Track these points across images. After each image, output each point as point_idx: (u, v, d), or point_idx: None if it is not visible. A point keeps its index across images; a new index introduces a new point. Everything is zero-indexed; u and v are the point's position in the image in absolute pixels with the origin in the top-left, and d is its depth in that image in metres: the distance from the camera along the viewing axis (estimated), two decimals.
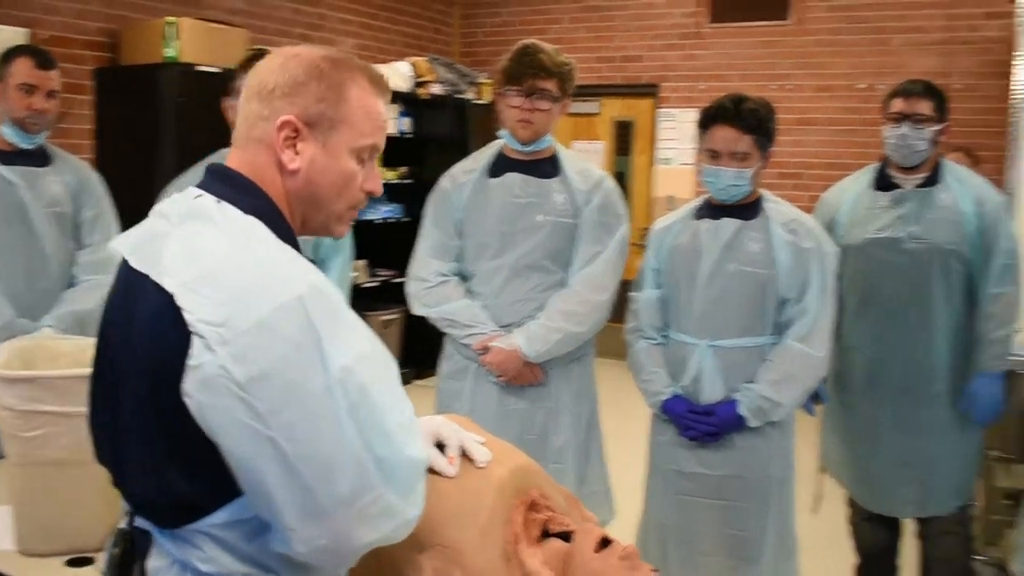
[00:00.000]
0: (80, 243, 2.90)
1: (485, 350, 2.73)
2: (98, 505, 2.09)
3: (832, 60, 6.74)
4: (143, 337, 1.20)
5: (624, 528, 2.80)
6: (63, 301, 2.80)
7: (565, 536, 1.72)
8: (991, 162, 4.88)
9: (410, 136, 7.03)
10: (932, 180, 2.98)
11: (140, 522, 1.30)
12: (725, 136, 2.56)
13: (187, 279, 1.18)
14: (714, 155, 2.59)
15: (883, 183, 3.05)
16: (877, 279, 3.00)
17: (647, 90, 7.53)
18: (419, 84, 6.99)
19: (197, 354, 1.14)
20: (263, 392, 1.13)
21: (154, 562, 1.28)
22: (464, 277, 2.85)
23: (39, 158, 2.85)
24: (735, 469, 2.64)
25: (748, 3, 7.05)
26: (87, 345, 2.29)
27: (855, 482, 3.19)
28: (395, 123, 6.90)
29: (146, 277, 1.21)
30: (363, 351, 1.21)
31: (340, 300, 1.22)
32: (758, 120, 2.56)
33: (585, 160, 2.91)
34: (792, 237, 2.60)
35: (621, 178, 8.00)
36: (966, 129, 5.98)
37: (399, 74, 6.81)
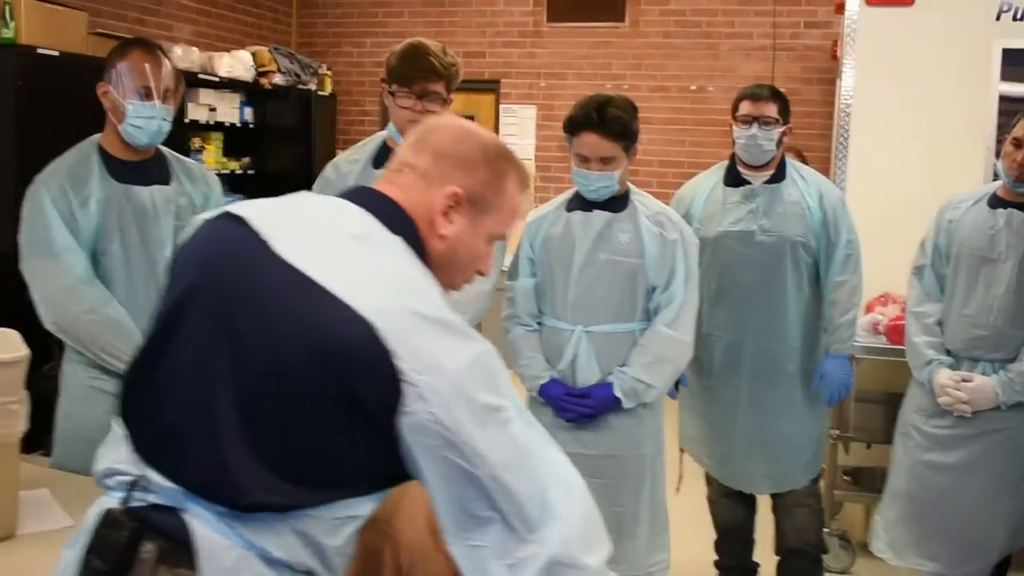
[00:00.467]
0: None
1: None
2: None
3: (665, 62, 7.09)
4: (325, 347, 1.20)
5: None
6: None
7: None
8: (817, 163, 5.27)
9: (252, 126, 6.93)
10: (778, 177, 3.24)
11: (156, 499, 1.26)
12: (591, 142, 2.72)
13: (387, 312, 1.21)
14: (583, 159, 2.75)
15: (733, 180, 3.28)
16: (731, 269, 3.23)
17: (489, 86, 7.68)
18: (261, 74, 6.90)
19: (411, 403, 1.20)
20: (467, 438, 1.22)
21: (213, 552, 1.23)
22: None
23: None
24: (611, 448, 2.81)
25: (585, 4, 7.31)
26: None
27: (713, 461, 3.42)
28: (237, 112, 6.80)
29: (315, 284, 1.23)
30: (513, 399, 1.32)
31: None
32: (622, 126, 2.73)
33: None
34: (658, 229, 2.79)
35: None
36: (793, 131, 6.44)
37: (240, 63, 6.71)
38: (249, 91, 6.90)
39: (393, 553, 1.71)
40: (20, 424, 2.10)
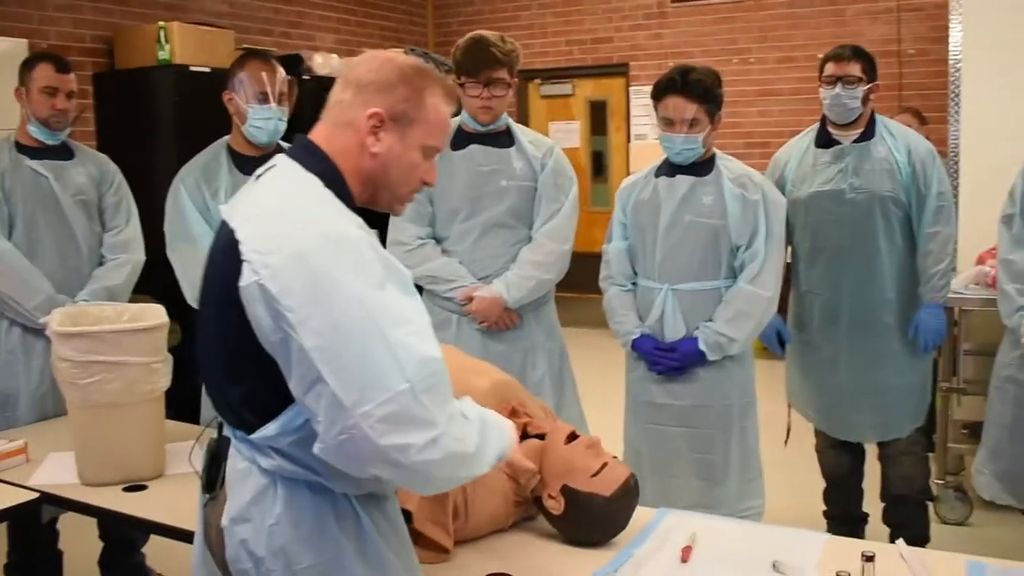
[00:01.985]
0: (105, 226, 3.22)
1: (469, 300, 3.08)
2: (145, 440, 2.44)
3: (791, 32, 7.09)
4: (215, 267, 1.54)
5: None
6: (94, 278, 3.12)
7: (541, 437, 2.07)
8: (938, 123, 5.23)
9: None
10: (867, 135, 3.32)
11: (226, 430, 1.61)
12: (675, 105, 2.88)
13: (246, 217, 1.50)
14: (668, 123, 2.92)
15: (823, 140, 3.39)
16: (824, 228, 3.34)
17: (618, 70, 7.86)
18: None
19: (243, 280, 1.44)
20: (292, 304, 1.40)
21: (233, 463, 1.58)
22: (438, 239, 3.19)
23: (63, 152, 3.16)
24: (699, 399, 2.98)
25: None
26: (124, 309, 2.64)
27: (819, 413, 3.53)
28: None
29: (225, 223, 1.54)
30: (372, 282, 1.42)
31: (365, 247, 1.45)
32: (704, 89, 2.89)
33: (533, 132, 3.28)
34: (741, 190, 2.93)
35: (600, 156, 8.35)
36: (916, 92, 6.35)
37: None
38: None
39: None
40: (164, 380, 2.47)
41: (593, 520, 1.98)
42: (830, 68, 3.30)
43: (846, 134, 3.33)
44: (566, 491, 1.97)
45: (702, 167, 2.98)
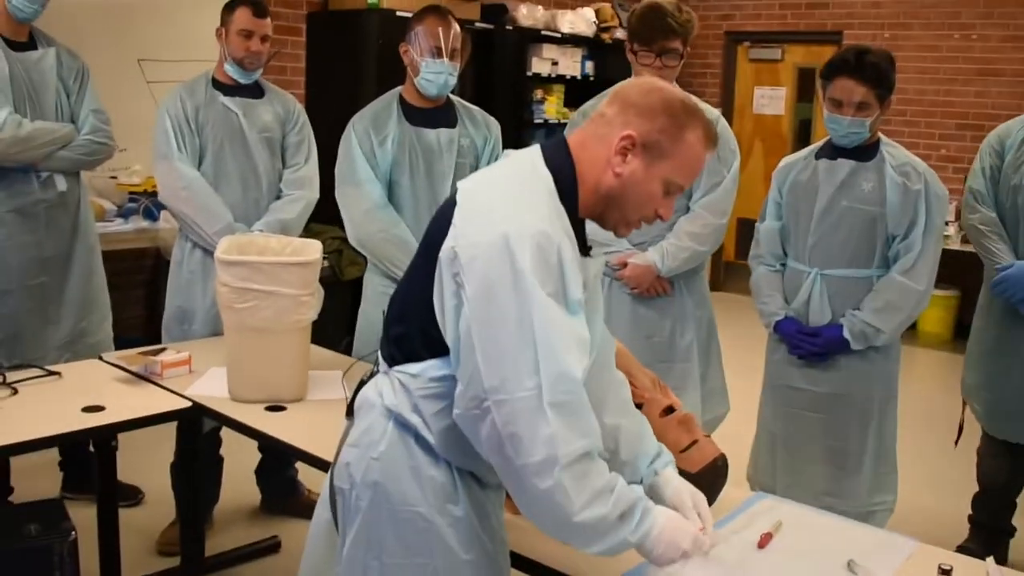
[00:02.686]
0: (286, 163, 3.45)
1: (623, 265, 3.12)
2: (290, 366, 2.64)
3: (1020, 10, 6.60)
4: (436, 219, 1.64)
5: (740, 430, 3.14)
6: (271, 211, 3.36)
7: (640, 407, 2.10)
8: None
9: (592, 79, 7.37)
10: None
11: (380, 365, 1.73)
12: (846, 87, 2.79)
13: (473, 186, 1.60)
14: (835, 104, 2.83)
15: None
16: None
17: (831, 38, 7.55)
18: (602, 29, 7.31)
19: (446, 242, 1.54)
20: (473, 280, 1.49)
21: (366, 393, 1.72)
22: None
23: (254, 91, 3.40)
24: (839, 387, 2.92)
25: None
26: (288, 243, 2.84)
27: (985, 408, 3.38)
28: (578, 66, 7.26)
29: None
30: (549, 289, 1.50)
31: (558, 253, 1.51)
32: (878, 73, 2.78)
33: (702, 102, 3.21)
34: (903, 179, 2.83)
35: (805, 125, 8.09)
36: None
37: (583, 20, 7.15)
38: (591, 45, 7.34)
39: None
40: (311, 312, 2.65)
41: None
42: None
43: None
44: None
45: (865, 152, 2.89)
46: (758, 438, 3.17)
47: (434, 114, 3.16)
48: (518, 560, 1.85)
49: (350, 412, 1.80)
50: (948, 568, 1.77)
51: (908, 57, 7.12)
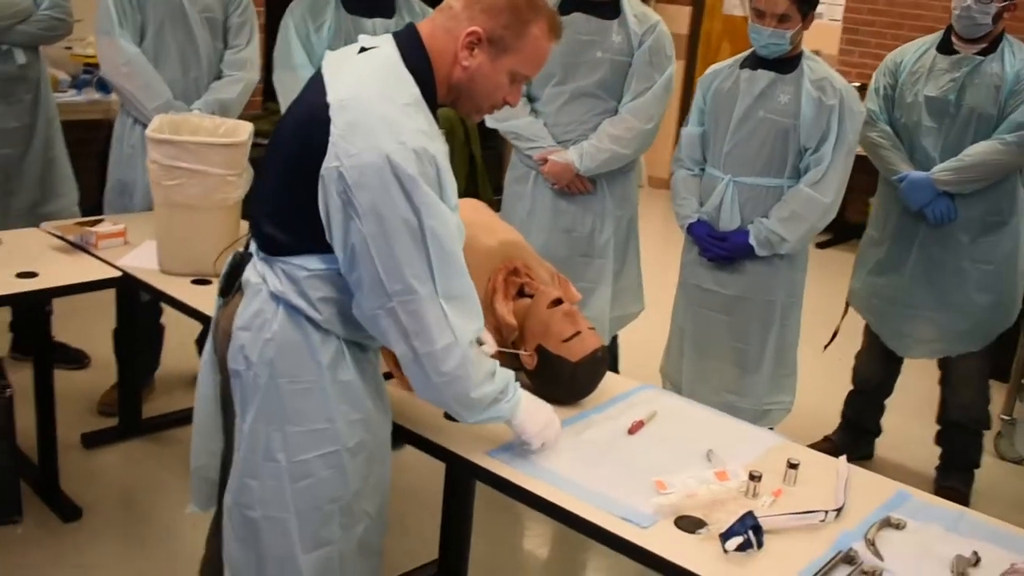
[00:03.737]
0: (227, 44, 3.49)
1: (544, 161, 3.23)
2: (216, 242, 2.75)
3: None
4: (300, 123, 1.71)
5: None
6: (211, 90, 3.41)
7: (533, 296, 2.25)
8: None
9: None
10: (988, 52, 3.22)
11: (252, 249, 1.85)
12: None
13: (343, 99, 1.66)
14: (758, 14, 2.91)
15: (945, 47, 3.32)
16: (921, 134, 3.32)
17: None
18: None
19: (327, 161, 1.64)
20: (364, 198, 1.61)
21: (249, 276, 1.81)
22: (531, 99, 3.32)
23: None
24: (744, 291, 3.08)
25: None
26: (221, 123, 2.93)
27: (874, 316, 3.56)
28: None
29: (322, 80, 1.73)
30: (446, 215, 1.65)
31: (437, 163, 1.64)
32: None
33: (644, 6, 3.29)
34: (819, 93, 2.92)
35: None
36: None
37: None
38: None
39: None
40: (237, 192, 2.76)
41: (560, 381, 2.17)
42: None
43: (969, 47, 3.24)
44: (539, 350, 2.16)
45: (786, 64, 2.98)
46: (670, 333, 3.34)
47: (372, 2, 3.20)
48: (397, 429, 2.02)
49: (223, 292, 1.92)
50: (796, 463, 1.94)
51: None
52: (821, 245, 6.94)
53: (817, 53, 7.17)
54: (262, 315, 1.78)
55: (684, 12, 8.11)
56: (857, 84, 7.17)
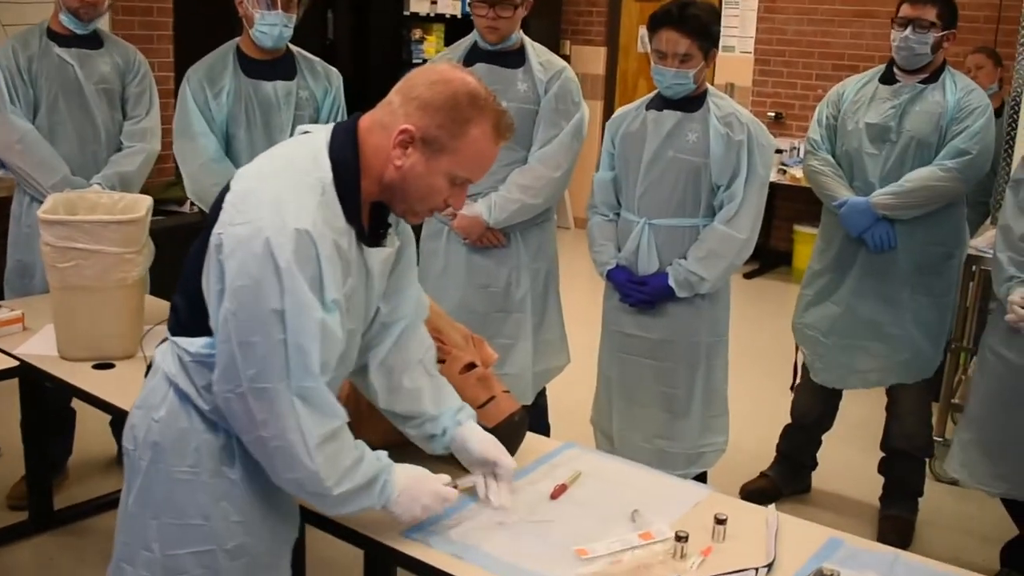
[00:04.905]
0: (126, 115, 3.40)
1: (453, 216, 3.17)
2: (117, 323, 2.64)
3: None
4: (216, 199, 1.66)
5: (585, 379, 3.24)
6: (110, 164, 3.31)
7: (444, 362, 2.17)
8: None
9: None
10: (929, 82, 3.27)
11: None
12: (669, 38, 2.85)
13: (251, 171, 1.63)
14: (660, 56, 2.90)
15: (887, 78, 3.35)
16: (862, 162, 3.33)
17: None
18: None
19: (216, 228, 1.59)
20: (232, 270, 1.54)
21: (157, 353, 1.77)
22: None
23: (92, 41, 3.32)
24: (667, 333, 3.03)
25: None
26: (120, 198, 2.83)
27: (816, 355, 3.52)
28: (459, 4, 7.20)
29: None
30: (311, 309, 1.55)
31: (319, 255, 1.55)
32: (700, 25, 2.85)
33: (550, 53, 3.27)
34: (726, 129, 2.91)
35: None
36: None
37: None
38: None
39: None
40: (138, 270, 2.65)
41: None
42: (904, 9, 3.25)
43: (910, 78, 3.29)
44: None
45: (692, 103, 2.96)
46: (598, 383, 3.28)
47: (271, 66, 3.15)
48: (310, 515, 1.92)
49: (148, 372, 1.83)
50: (723, 518, 1.87)
51: None
52: (748, 275, 6.98)
53: (731, 86, 7.45)
54: (154, 395, 1.72)
55: (599, 53, 8.18)
56: (772, 113, 7.34)
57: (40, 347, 2.72)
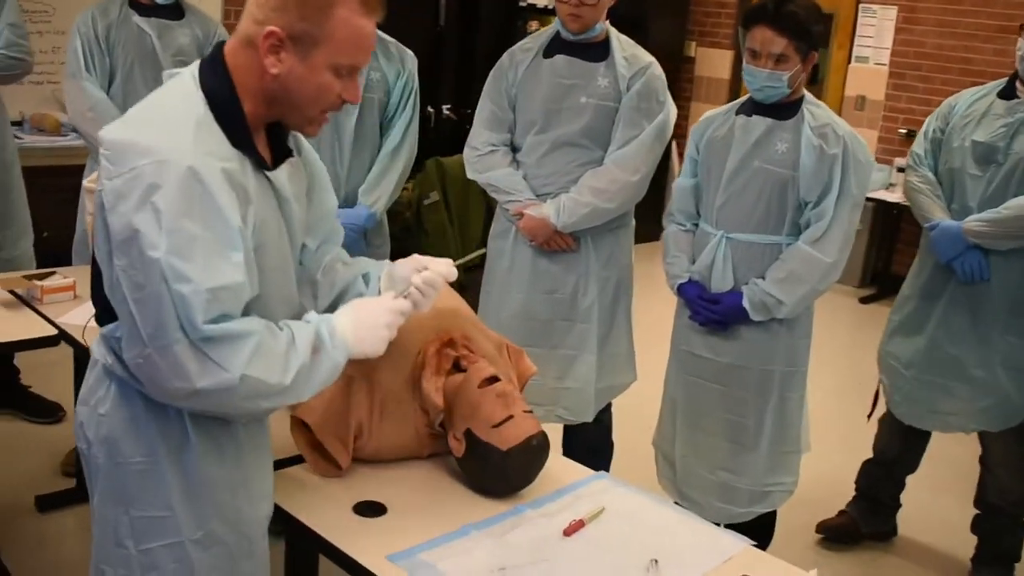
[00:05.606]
0: None
1: (521, 216, 2.99)
2: None
3: None
4: None
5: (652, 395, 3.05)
6: None
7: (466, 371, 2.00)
8: None
9: None
10: None
11: None
12: (763, 37, 2.61)
13: (110, 129, 1.49)
14: (753, 55, 2.66)
15: (1007, 92, 3.06)
16: (964, 183, 3.05)
17: None
18: None
19: (100, 181, 1.47)
20: (116, 226, 1.42)
21: (92, 348, 1.66)
22: (513, 148, 3.09)
23: (173, 12, 3.28)
24: (739, 358, 2.79)
25: None
26: None
27: (896, 389, 3.24)
28: None
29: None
30: (191, 233, 1.41)
31: (206, 188, 1.42)
32: (797, 23, 2.60)
33: (636, 47, 3.04)
34: (820, 141, 2.65)
35: (815, 70, 7.76)
36: None
37: None
38: None
39: (369, 390, 1.95)
40: None
41: (488, 471, 1.91)
42: None
43: None
44: (468, 435, 1.90)
45: (785, 110, 2.71)
46: (663, 403, 3.06)
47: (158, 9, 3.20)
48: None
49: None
50: None
51: (928, 9, 6.78)
52: (865, 300, 6.61)
53: (862, 98, 7.04)
54: (96, 389, 1.62)
55: (726, 56, 7.87)
56: (904, 130, 6.90)
57: (83, 316, 2.67)
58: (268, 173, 1.58)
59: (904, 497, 3.47)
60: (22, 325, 2.64)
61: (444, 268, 1.79)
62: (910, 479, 3.44)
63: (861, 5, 7.14)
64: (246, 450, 1.66)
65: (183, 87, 1.54)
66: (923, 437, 3.32)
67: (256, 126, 1.57)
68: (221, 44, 1.58)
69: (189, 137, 1.45)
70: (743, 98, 2.86)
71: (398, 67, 3.10)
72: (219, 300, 1.43)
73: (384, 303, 1.67)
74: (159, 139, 1.44)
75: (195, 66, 1.57)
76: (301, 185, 1.71)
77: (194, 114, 1.49)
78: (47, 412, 3.74)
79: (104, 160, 1.46)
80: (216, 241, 1.43)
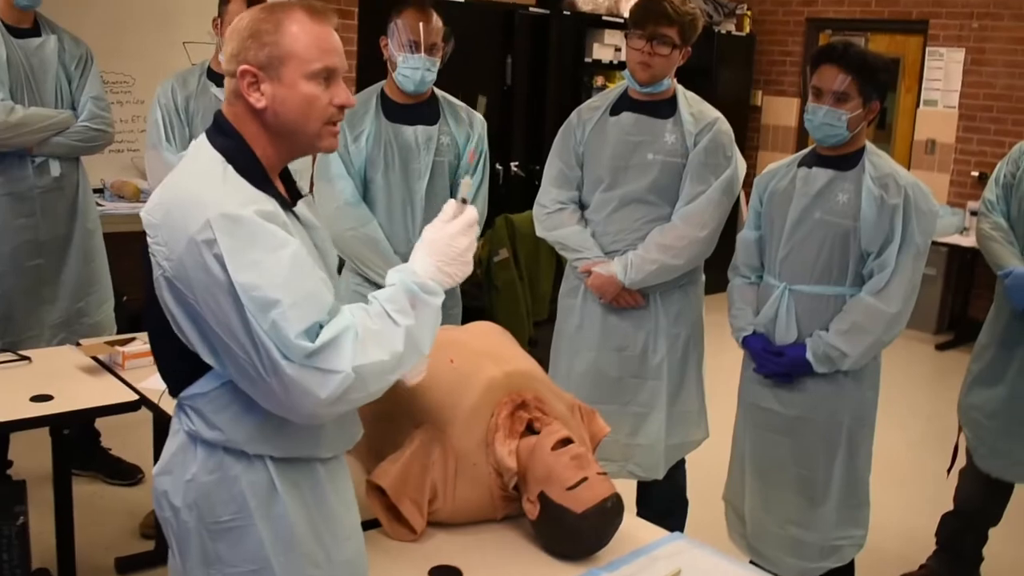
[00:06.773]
0: None
1: (589, 273, 3.01)
2: None
3: None
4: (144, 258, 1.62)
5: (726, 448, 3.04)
6: None
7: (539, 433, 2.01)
8: None
9: None
10: None
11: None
12: (827, 74, 2.61)
13: (153, 203, 1.58)
14: (816, 93, 2.66)
15: None
16: None
17: (916, 27, 7.17)
18: None
19: (155, 269, 1.54)
20: (193, 291, 1.49)
21: (174, 423, 1.69)
22: (582, 206, 3.12)
23: None
24: (805, 411, 2.76)
25: None
26: None
27: (974, 433, 3.19)
28: None
29: None
30: (256, 260, 1.47)
31: (250, 224, 1.48)
32: (863, 64, 2.60)
33: (703, 103, 3.05)
34: (880, 191, 2.64)
35: (883, 115, 7.71)
36: None
37: None
38: None
39: (443, 452, 1.97)
40: None
41: (563, 534, 1.92)
42: None
43: None
44: (542, 498, 1.92)
45: (846, 161, 2.71)
46: (732, 457, 3.03)
47: (414, 110, 3.09)
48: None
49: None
50: None
51: (997, 49, 6.71)
52: (941, 347, 6.48)
53: (932, 142, 6.96)
54: (181, 455, 1.65)
55: (792, 104, 7.87)
56: (976, 173, 6.80)
57: (162, 382, 2.74)
58: (293, 209, 1.66)
59: (987, 550, 3.37)
60: (104, 390, 2.72)
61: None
62: (993, 531, 3.34)
63: (928, 48, 7.08)
64: (327, 489, 1.70)
65: (199, 153, 1.62)
66: (1006, 489, 3.24)
67: (272, 170, 1.66)
68: (219, 112, 1.67)
69: (220, 189, 1.54)
70: (806, 150, 2.86)
71: (467, 130, 3.16)
72: (305, 312, 1.48)
73: (452, 228, 1.69)
74: (188, 201, 1.52)
75: (202, 138, 1.65)
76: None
77: (218, 171, 1.57)
78: (126, 474, 3.83)
79: (152, 243, 1.53)
80: (281, 260, 1.49)
